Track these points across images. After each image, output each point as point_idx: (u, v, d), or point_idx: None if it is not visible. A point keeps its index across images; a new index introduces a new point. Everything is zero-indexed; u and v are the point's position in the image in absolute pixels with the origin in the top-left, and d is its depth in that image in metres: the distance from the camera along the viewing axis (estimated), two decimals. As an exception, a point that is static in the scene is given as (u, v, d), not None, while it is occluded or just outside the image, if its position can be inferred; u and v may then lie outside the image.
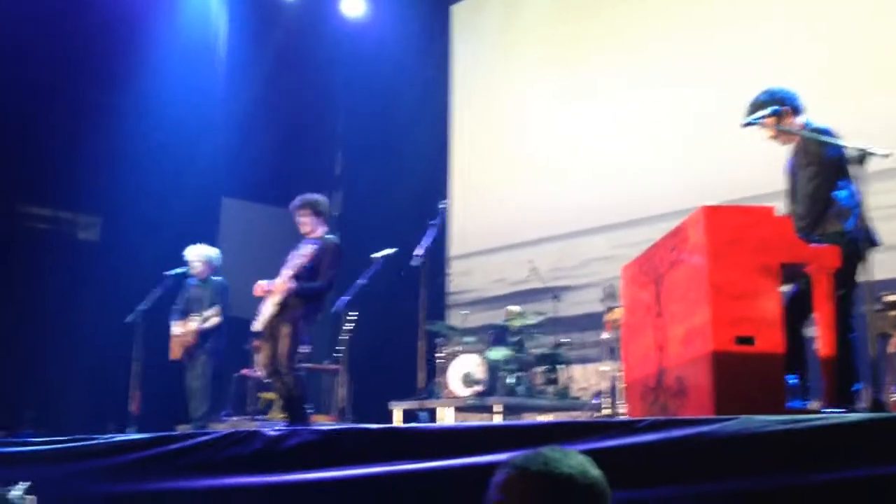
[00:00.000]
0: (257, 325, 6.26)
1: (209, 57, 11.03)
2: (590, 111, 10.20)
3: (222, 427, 7.71)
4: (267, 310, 6.18)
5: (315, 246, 6.29)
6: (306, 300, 6.18)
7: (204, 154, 10.55)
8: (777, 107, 4.43)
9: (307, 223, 6.45)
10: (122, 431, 6.91)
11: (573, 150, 10.25)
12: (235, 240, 11.12)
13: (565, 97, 10.46)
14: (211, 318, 7.78)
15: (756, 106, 4.55)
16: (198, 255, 8.04)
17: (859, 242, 4.02)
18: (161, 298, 7.93)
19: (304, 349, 6.45)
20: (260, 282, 6.26)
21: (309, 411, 6.42)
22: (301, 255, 6.25)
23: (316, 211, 6.46)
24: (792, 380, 3.89)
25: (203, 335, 7.81)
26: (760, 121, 4.41)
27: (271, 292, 6.15)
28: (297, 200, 6.50)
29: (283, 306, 6.11)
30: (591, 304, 8.93)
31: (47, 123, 9.46)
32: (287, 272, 6.19)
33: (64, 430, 6.27)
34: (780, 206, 4.52)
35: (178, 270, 8.07)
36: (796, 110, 4.52)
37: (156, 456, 4.04)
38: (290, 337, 6.06)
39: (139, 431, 6.36)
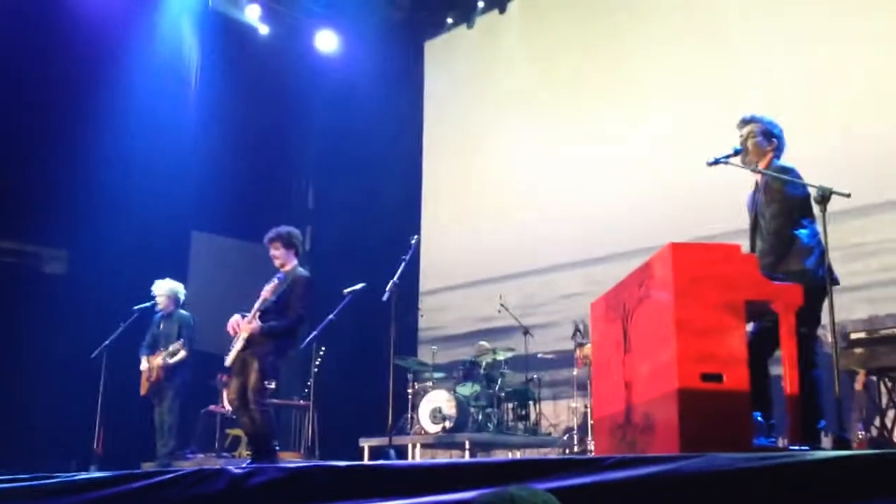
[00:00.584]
0: (228, 360, 6.21)
1: (181, 90, 11.01)
2: (562, 147, 10.31)
3: (188, 465, 7.60)
4: (237, 345, 6.14)
5: (279, 280, 6.27)
6: (275, 336, 6.15)
7: (174, 187, 10.48)
8: (739, 147, 4.51)
9: (279, 256, 6.42)
10: (85, 469, 6.78)
11: (545, 187, 10.33)
12: (205, 274, 11.04)
13: (538, 133, 10.57)
14: (178, 352, 7.69)
15: (743, 124, 4.61)
16: (163, 289, 7.99)
17: (821, 280, 4.07)
18: (128, 333, 7.84)
19: (270, 385, 6.38)
20: (235, 316, 6.21)
21: (276, 448, 6.35)
22: (267, 290, 6.21)
23: (287, 243, 6.44)
24: (757, 417, 3.92)
25: (170, 370, 7.72)
26: (725, 160, 4.48)
27: (240, 328, 6.12)
28: (270, 233, 6.49)
29: (251, 342, 6.07)
30: (561, 341, 8.94)
31: (12, 154, 9.36)
32: (254, 309, 6.15)
33: (25, 468, 6.13)
34: (746, 244, 4.58)
35: (145, 305, 8.00)
36: (778, 148, 4.58)
37: (119, 494, 3.95)
38: (257, 372, 6.00)
39: (103, 469, 6.24)
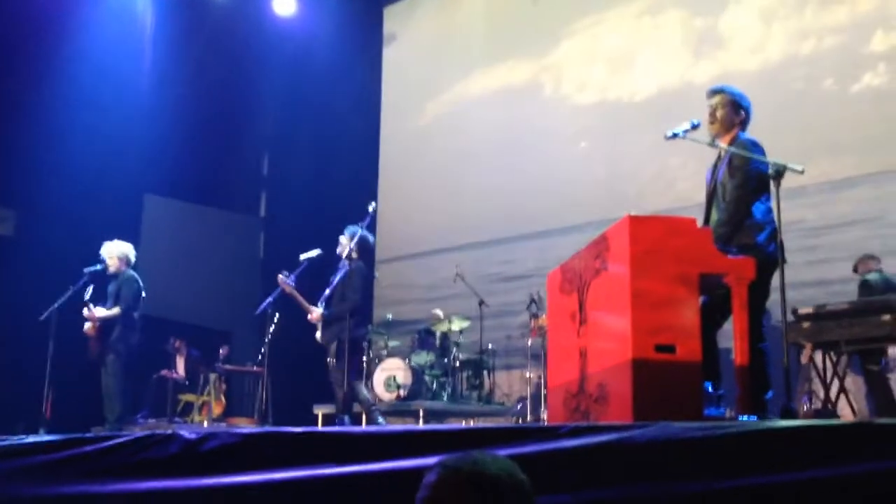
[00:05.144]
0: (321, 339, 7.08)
1: (135, 51, 10.77)
2: (521, 115, 10.30)
3: (139, 429, 7.52)
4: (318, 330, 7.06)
5: (339, 269, 6.93)
6: (335, 321, 6.82)
7: (127, 149, 10.28)
8: (697, 121, 4.54)
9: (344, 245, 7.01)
10: (33, 433, 6.68)
11: (504, 157, 10.33)
12: (158, 237, 10.87)
13: (497, 102, 10.54)
14: (111, 308, 7.58)
15: (713, 94, 4.63)
16: (112, 251, 7.85)
17: (771, 256, 4.14)
18: (77, 296, 7.69)
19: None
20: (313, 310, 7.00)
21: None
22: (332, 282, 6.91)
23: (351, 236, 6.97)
24: (708, 387, 3.99)
25: (105, 328, 7.55)
26: (683, 134, 4.50)
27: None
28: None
29: (325, 326, 6.94)
30: (517, 311, 9.00)
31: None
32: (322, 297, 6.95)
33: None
34: (701, 217, 4.63)
35: (95, 268, 7.85)
36: (745, 121, 4.61)
37: (68, 458, 3.90)
38: (347, 353, 6.62)
39: (51, 433, 6.16)
